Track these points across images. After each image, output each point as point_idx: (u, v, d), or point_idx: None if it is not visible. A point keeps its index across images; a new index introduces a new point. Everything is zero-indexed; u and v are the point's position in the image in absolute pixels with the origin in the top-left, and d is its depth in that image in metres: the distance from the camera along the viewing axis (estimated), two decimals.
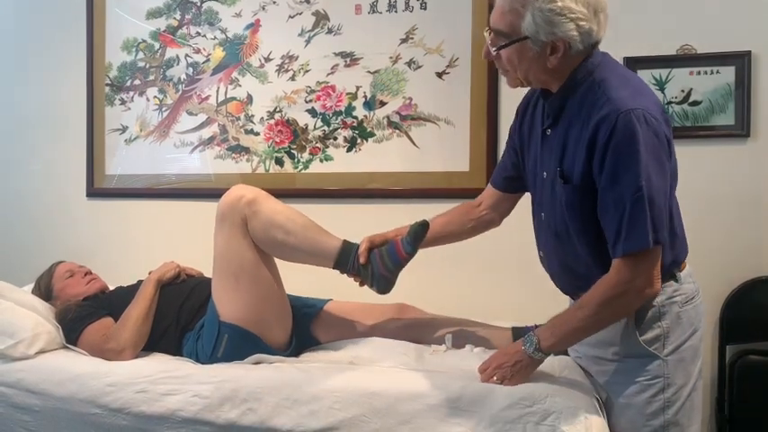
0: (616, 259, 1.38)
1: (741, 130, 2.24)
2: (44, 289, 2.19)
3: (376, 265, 1.75)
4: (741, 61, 2.23)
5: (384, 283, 1.76)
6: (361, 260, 1.74)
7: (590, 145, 1.36)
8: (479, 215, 1.80)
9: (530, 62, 1.42)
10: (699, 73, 2.27)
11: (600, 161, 1.35)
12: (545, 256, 1.62)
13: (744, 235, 2.27)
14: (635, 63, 2.27)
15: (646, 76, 2.27)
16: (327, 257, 1.78)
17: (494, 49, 1.45)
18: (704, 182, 2.26)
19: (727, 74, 2.24)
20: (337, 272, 1.80)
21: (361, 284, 1.81)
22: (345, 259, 1.77)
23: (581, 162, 1.39)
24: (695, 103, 2.28)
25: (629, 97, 1.35)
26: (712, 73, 2.26)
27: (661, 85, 2.29)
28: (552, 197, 1.50)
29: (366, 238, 1.78)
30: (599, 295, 1.40)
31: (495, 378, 1.53)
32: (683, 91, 2.28)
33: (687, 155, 2.20)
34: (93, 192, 2.94)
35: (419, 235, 1.70)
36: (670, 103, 2.29)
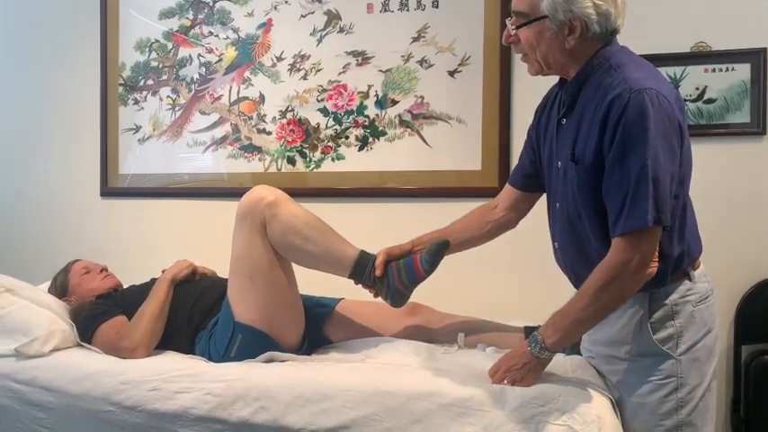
0: (614, 239, 1.38)
1: (757, 127, 2.22)
2: (60, 285, 2.20)
3: (392, 278, 1.74)
4: (757, 58, 2.20)
5: (399, 298, 1.76)
6: (378, 272, 1.74)
7: (602, 123, 1.37)
8: (496, 217, 1.79)
9: (548, 43, 1.44)
10: (713, 70, 2.25)
11: (610, 138, 1.36)
12: (559, 248, 1.61)
13: (759, 234, 2.24)
14: (648, 60, 2.24)
15: None
16: (343, 267, 1.78)
17: (513, 28, 1.47)
18: (719, 180, 2.24)
19: (743, 71, 2.22)
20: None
21: (376, 296, 1.81)
22: (361, 270, 1.76)
23: (593, 141, 1.39)
24: (710, 101, 2.26)
25: (643, 78, 1.36)
26: (727, 70, 2.24)
27: (675, 82, 2.27)
28: (565, 184, 1.50)
29: (383, 249, 1.78)
30: (595, 281, 1.40)
31: (505, 381, 1.52)
32: (697, 89, 2.26)
33: (702, 153, 2.18)
34: (107, 191, 2.97)
35: (439, 253, 1.70)
36: (684, 101, 2.26)
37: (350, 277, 1.79)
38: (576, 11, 1.38)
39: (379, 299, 1.81)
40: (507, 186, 1.79)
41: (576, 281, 1.56)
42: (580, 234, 1.50)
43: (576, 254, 1.54)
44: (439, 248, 1.70)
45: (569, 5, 1.38)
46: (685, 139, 1.41)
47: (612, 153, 1.36)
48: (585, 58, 1.44)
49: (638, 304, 1.46)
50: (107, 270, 2.26)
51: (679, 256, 1.44)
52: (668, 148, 1.34)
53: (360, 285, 1.81)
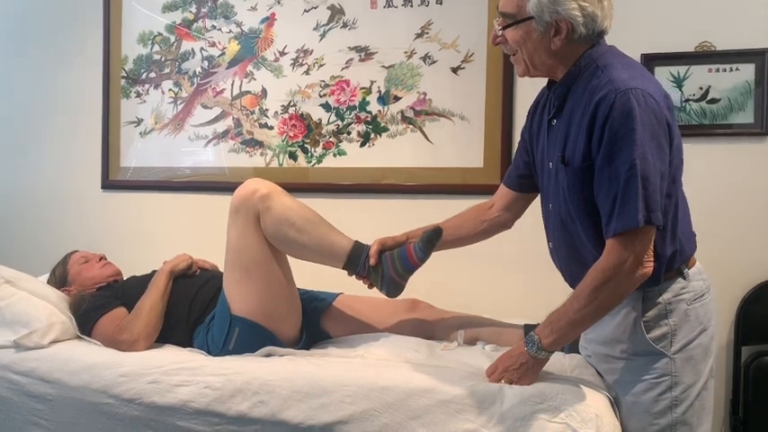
0: (608, 240, 1.38)
1: (760, 128, 2.21)
2: (59, 276, 2.20)
3: (386, 268, 1.74)
4: (761, 58, 2.19)
5: (393, 287, 1.76)
6: (372, 262, 1.74)
7: (590, 125, 1.37)
8: (492, 217, 1.79)
9: (535, 44, 1.45)
10: (717, 70, 2.24)
11: (598, 140, 1.36)
12: (554, 248, 1.61)
13: (762, 235, 2.24)
14: (652, 60, 2.25)
15: (663, 73, 2.25)
16: (337, 258, 1.78)
17: (500, 29, 1.49)
18: (722, 181, 2.23)
19: (747, 71, 2.21)
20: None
21: (370, 287, 1.81)
22: (356, 260, 1.77)
23: (582, 144, 1.39)
24: (713, 101, 2.25)
25: (629, 78, 1.36)
26: (731, 70, 2.23)
27: (679, 82, 2.26)
28: (557, 185, 1.50)
29: (377, 240, 1.78)
30: (590, 282, 1.39)
31: (503, 381, 1.52)
32: (701, 88, 2.25)
33: (705, 153, 2.19)
34: (108, 184, 2.97)
35: (432, 241, 1.70)
36: (688, 100, 2.26)
37: (344, 268, 1.79)
38: (561, 12, 1.39)
39: (376, 291, 1.81)
40: (502, 187, 1.80)
41: (571, 280, 1.57)
42: (572, 235, 1.51)
43: (569, 253, 1.54)
44: (432, 236, 1.70)
45: (555, 7, 1.39)
46: (675, 138, 1.40)
47: (601, 155, 1.36)
48: (572, 59, 1.45)
49: (632, 303, 1.46)
50: (105, 258, 2.26)
51: (672, 255, 1.43)
52: (656, 147, 1.33)
53: (354, 276, 1.80)
